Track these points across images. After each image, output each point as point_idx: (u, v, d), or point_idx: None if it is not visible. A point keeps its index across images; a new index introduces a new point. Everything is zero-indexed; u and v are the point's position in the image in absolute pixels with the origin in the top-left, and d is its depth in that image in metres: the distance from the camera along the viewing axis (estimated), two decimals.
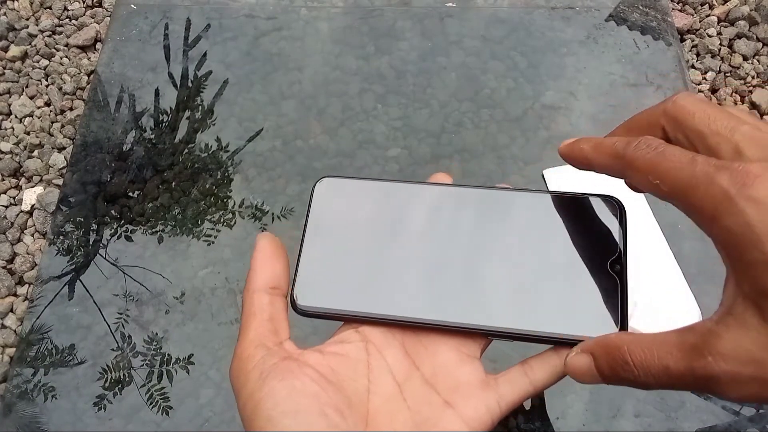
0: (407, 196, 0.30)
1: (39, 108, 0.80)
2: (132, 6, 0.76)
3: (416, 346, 0.28)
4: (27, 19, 0.86)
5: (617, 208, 0.29)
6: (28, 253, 0.69)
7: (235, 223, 0.62)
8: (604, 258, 0.27)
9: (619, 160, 0.23)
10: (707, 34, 0.85)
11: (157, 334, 0.57)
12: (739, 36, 0.84)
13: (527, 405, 0.54)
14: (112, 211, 0.63)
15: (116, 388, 0.55)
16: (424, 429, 0.24)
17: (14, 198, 0.73)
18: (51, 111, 0.79)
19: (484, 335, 0.27)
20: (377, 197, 0.30)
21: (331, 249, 0.29)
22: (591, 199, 0.29)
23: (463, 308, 0.27)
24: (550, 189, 0.62)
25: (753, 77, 0.81)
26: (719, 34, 0.85)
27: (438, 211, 0.29)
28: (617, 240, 0.28)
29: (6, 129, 0.78)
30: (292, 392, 0.23)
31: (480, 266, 0.28)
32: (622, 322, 0.26)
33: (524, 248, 0.28)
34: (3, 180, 0.74)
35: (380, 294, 0.28)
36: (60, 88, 0.81)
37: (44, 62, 0.83)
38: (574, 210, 0.29)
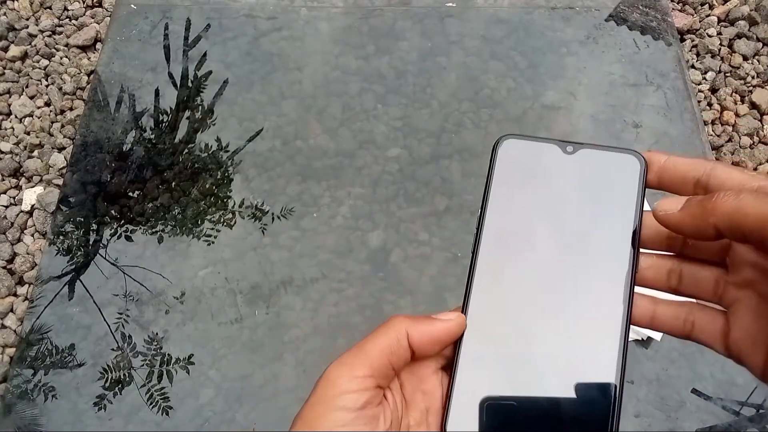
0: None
1: (39, 108, 0.80)
2: (132, 6, 0.76)
3: (436, 422, 0.27)
4: (27, 19, 0.86)
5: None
6: (28, 253, 0.69)
7: (235, 223, 0.62)
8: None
9: (704, 211, 0.24)
10: (707, 34, 0.85)
11: (157, 334, 0.57)
12: (739, 36, 0.84)
13: None
14: (112, 211, 0.63)
15: (116, 388, 0.55)
16: None
17: (14, 198, 0.73)
18: (51, 111, 0.79)
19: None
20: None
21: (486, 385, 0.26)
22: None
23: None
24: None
25: (753, 77, 0.81)
26: (719, 34, 0.85)
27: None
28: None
29: (6, 129, 0.78)
30: None
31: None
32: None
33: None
34: (3, 180, 0.74)
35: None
36: (60, 88, 0.81)
37: (44, 62, 0.83)
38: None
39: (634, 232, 0.27)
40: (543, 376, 0.26)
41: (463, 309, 0.27)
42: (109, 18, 0.83)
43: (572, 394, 0.26)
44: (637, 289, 0.26)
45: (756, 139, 0.77)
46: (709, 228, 0.23)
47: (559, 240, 0.27)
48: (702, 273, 0.26)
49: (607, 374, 0.26)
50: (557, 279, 0.27)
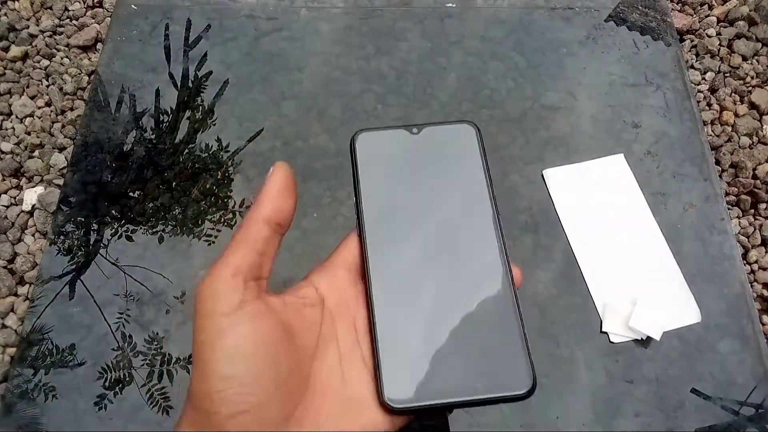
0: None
1: (40, 108, 0.80)
2: (133, 6, 0.76)
3: (365, 326, 0.29)
4: (28, 20, 0.86)
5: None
6: (28, 253, 0.69)
7: (235, 223, 0.62)
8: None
9: None
10: (707, 34, 0.85)
11: (157, 333, 0.57)
12: (738, 36, 0.84)
13: (527, 405, 0.54)
14: (113, 211, 0.63)
15: (117, 387, 0.55)
16: (350, 405, 0.27)
17: (15, 198, 0.73)
18: (52, 111, 0.79)
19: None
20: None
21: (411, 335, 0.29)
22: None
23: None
24: (550, 189, 0.63)
25: (752, 77, 0.81)
26: (719, 34, 0.85)
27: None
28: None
29: (7, 129, 0.78)
30: (257, 336, 0.24)
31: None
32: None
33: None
34: (4, 180, 0.74)
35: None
36: (61, 89, 0.81)
37: (45, 62, 0.83)
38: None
39: (488, 188, 0.31)
40: (447, 324, 0.29)
41: (367, 280, 0.30)
42: (109, 18, 0.83)
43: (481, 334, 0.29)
44: None
45: (755, 139, 0.77)
46: None
47: (428, 212, 0.31)
48: None
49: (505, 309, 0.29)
50: (438, 244, 0.31)
